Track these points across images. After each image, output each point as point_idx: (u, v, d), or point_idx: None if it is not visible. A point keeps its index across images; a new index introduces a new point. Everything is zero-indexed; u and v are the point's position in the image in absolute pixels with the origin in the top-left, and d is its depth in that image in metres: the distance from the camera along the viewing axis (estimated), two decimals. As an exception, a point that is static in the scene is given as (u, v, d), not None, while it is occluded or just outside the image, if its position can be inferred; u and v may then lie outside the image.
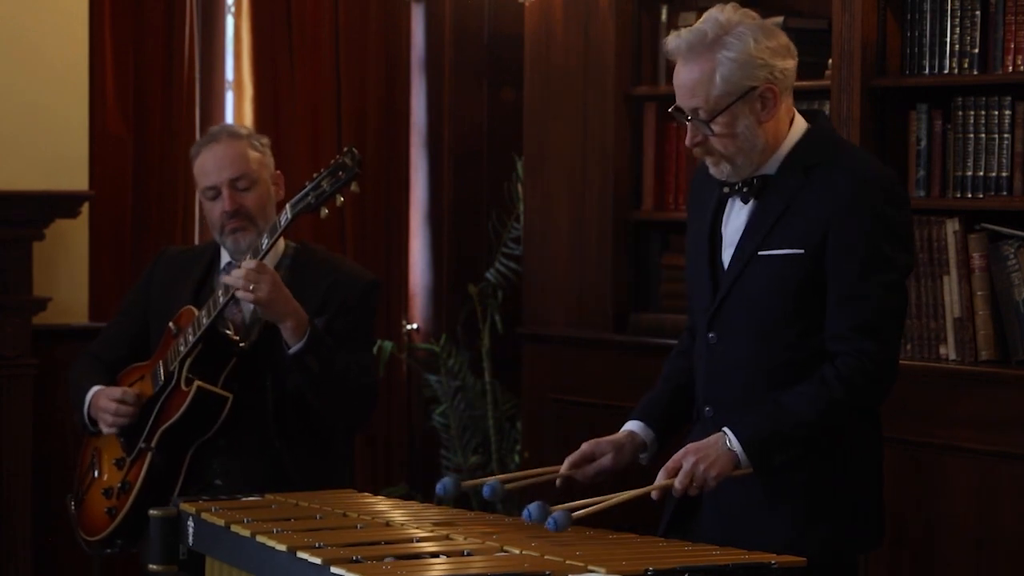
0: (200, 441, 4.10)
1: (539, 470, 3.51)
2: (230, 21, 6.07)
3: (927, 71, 4.83)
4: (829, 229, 3.27)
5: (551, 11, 5.74)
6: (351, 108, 6.26)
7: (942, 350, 4.74)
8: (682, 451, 3.26)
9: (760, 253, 3.33)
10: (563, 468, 3.43)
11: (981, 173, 4.72)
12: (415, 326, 6.49)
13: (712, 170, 3.37)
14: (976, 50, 4.74)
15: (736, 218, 3.40)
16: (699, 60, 3.29)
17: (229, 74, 6.07)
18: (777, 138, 3.34)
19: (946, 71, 4.79)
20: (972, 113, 4.73)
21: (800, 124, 3.38)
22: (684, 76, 3.32)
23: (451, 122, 6.51)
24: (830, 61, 4.97)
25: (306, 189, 3.92)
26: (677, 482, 3.22)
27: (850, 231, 3.26)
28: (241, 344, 4.09)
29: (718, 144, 3.31)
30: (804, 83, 5.07)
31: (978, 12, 4.73)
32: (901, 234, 3.32)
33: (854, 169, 3.31)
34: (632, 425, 3.50)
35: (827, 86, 4.97)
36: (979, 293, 4.67)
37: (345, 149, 3.91)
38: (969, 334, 4.68)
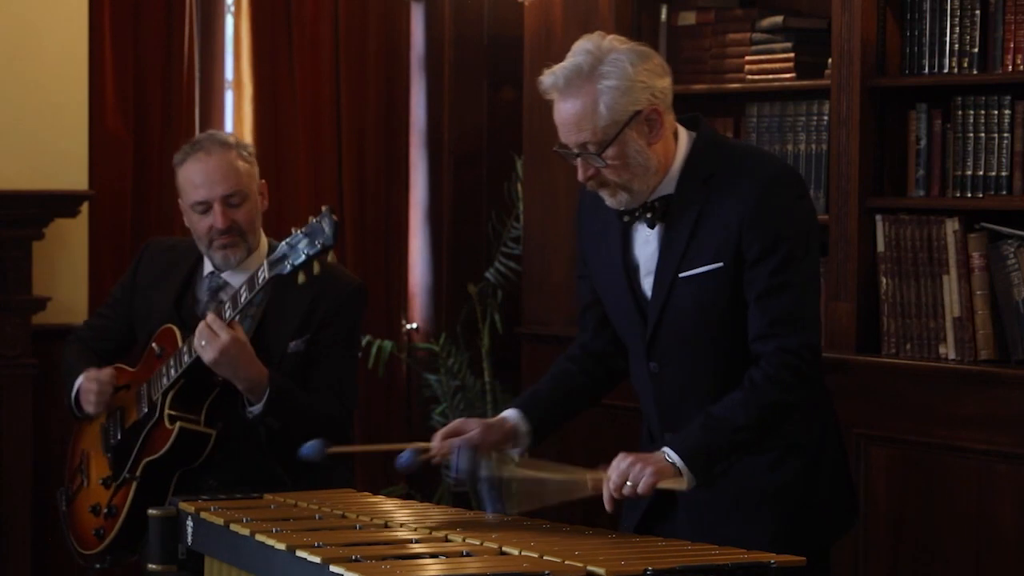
0: (186, 469, 4.08)
1: (416, 444, 3.50)
2: (230, 21, 6.07)
3: (927, 71, 4.83)
4: (742, 235, 3.26)
5: (551, 11, 5.74)
6: (351, 108, 6.26)
7: (942, 350, 4.74)
8: (620, 455, 3.22)
9: (681, 275, 3.32)
10: (435, 441, 3.42)
11: (981, 173, 4.72)
12: (415, 326, 6.49)
13: (609, 201, 3.34)
14: (976, 50, 4.74)
15: (647, 244, 3.38)
16: (579, 93, 3.27)
17: (229, 74, 6.07)
18: (667, 157, 3.33)
19: (946, 71, 4.79)
20: (972, 113, 4.73)
21: (684, 136, 3.37)
22: (567, 111, 3.29)
23: (451, 122, 6.50)
24: (830, 61, 4.97)
25: (282, 250, 3.78)
26: (612, 475, 3.18)
27: (761, 234, 3.26)
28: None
29: (612, 175, 3.29)
30: (804, 83, 5.09)
31: (978, 12, 4.73)
32: (807, 223, 3.33)
33: (754, 170, 3.31)
34: (508, 412, 3.51)
35: (827, 86, 4.96)
36: (979, 293, 4.67)
37: (324, 210, 3.74)
38: (969, 334, 4.68)
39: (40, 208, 5.46)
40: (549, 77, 3.32)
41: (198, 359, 3.95)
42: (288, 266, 3.77)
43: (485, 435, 3.44)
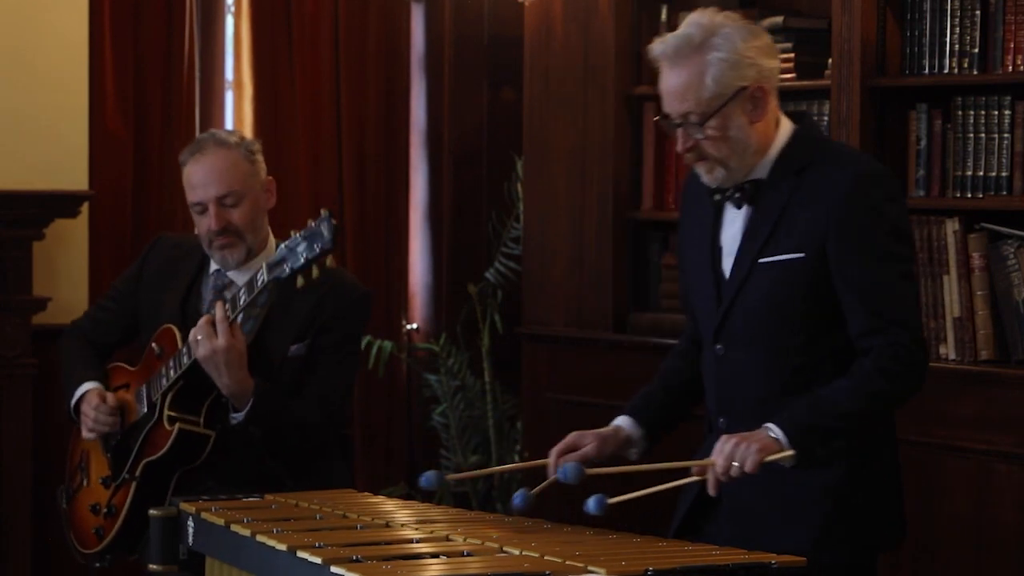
0: (185, 470, 4.08)
1: (531, 463, 3.49)
2: (230, 21, 6.07)
3: (927, 71, 4.83)
4: (829, 229, 3.25)
5: (551, 11, 5.74)
6: (351, 108, 6.26)
7: (942, 350, 4.74)
8: (720, 439, 3.20)
9: (760, 260, 3.31)
10: (551, 459, 3.41)
11: (981, 173, 4.72)
12: (415, 326, 6.49)
13: (705, 177, 3.34)
14: (976, 50, 4.74)
15: (732, 225, 3.38)
16: (687, 64, 3.27)
17: (229, 74, 6.07)
18: (767, 140, 3.33)
19: (946, 71, 4.79)
20: (972, 113, 4.73)
21: (787, 126, 3.37)
22: (673, 81, 3.29)
23: (451, 122, 6.50)
24: (830, 61, 4.97)
25: (281, 253, 3.79)
26: (718, 460, 3.16)
27: (854, 229, 3.24)
28: None
29: (711, 148, 3.29)
30: (804, 83, 5.09)
31: (978, 12, 4.73)
32: (902, 227, 3.32)
33: (847, 166, 3.30)
34: (620, 420, 3.50)
35: (827, 86, 4.97)
36: (979, 293, 4.67)
37: (323, 213, 3.74)
38: (969, 334, 4.68)
39: (40, 208, 5.46)
40: (659, 45, 3.30)
41: (196, 361, 3.96)
42: (287, 270, 3.78)
43: (601, 448, 3.43)
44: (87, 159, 5.63)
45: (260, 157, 4.17)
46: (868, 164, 3.36)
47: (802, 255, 3.27)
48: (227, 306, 3.94)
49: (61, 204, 5.49)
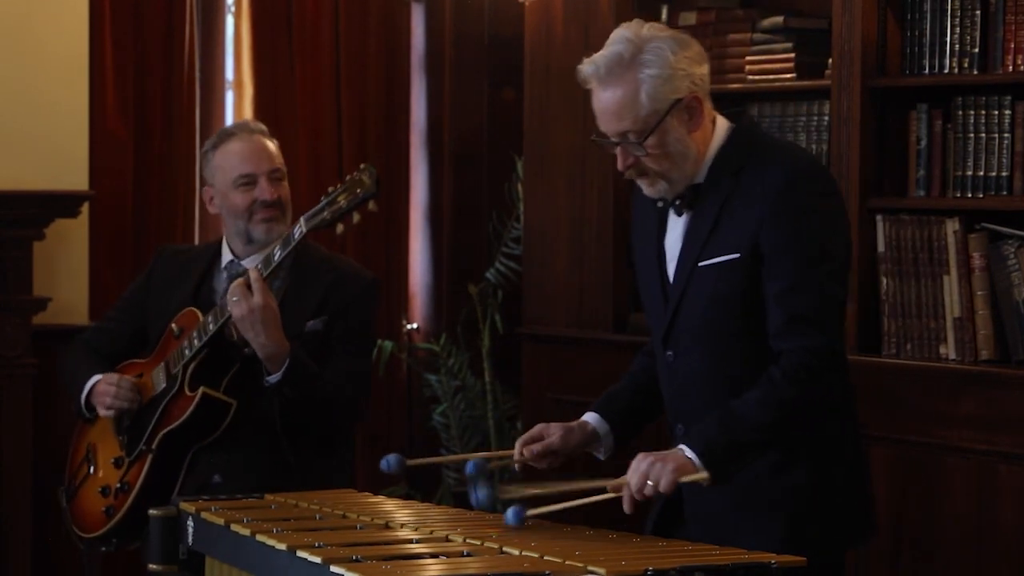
0: (200, 444, 4.11)
1: (497, 452, 3.50)
2: (230, 21, 6.07)
3: (927, 71, 4.83)
4: (761, 228, 3.23)
5: (551, 11, 5.74)
6: (351, 108, 6.26)
7: (942, 350, 4.74)
8: (637, 457, 3.20)
9: (700, 264, 3.30)
10: (516, 447, 3.43)
11: (981, 173, 4.72)
12: (415, 326, 6.49)
13: (647, 190, 3.34)
14: (976, 50, 4.74)
15: (673, 230, 3.37)
16: (620, 82, 3.24)
17: (229, 74, 6.07)
18: (704, 146, 3.31)
19: (946, 71, 4.79)
20: (972, 113, 4.73)
21: (723, 125, 3.34)
22: (607, 100, 3.27)
23: (451, 122, 6.51)
24: (830, 61, 4.97)
25: (322, 204, 3.91)
26: (632, 478, 3.14)
27: (782, 227, 3.22)
28: (245, 349, 4.08)
29: (652, 164, 3.28)
30: (804, 83, 5.09)
31: (978, 12, 4.73)
32: (834, 223, 3.28)
33: (779, 164, 3.27)
34: (587, 416, 3.50)
35: (827, 86, 4.96)
36: (979, 293, 4.67)
37: (362, 166, 3.90)
38: (969, 334, 4.68)
39: (40, 208, 5.46)
40: (589, 66, 3.28)
41: (221, 329, 4.01)
42: (327, 217, 3.87)
43: (566, 439, 3.44)
44: (87, 159, 5.63)
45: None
46: (801, 160, 3.33)
47: (737, 255, 3.26)
48: (259, 266, 4.00)
49: (61, 204, 5.49)
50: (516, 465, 3.47)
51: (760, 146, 3.34)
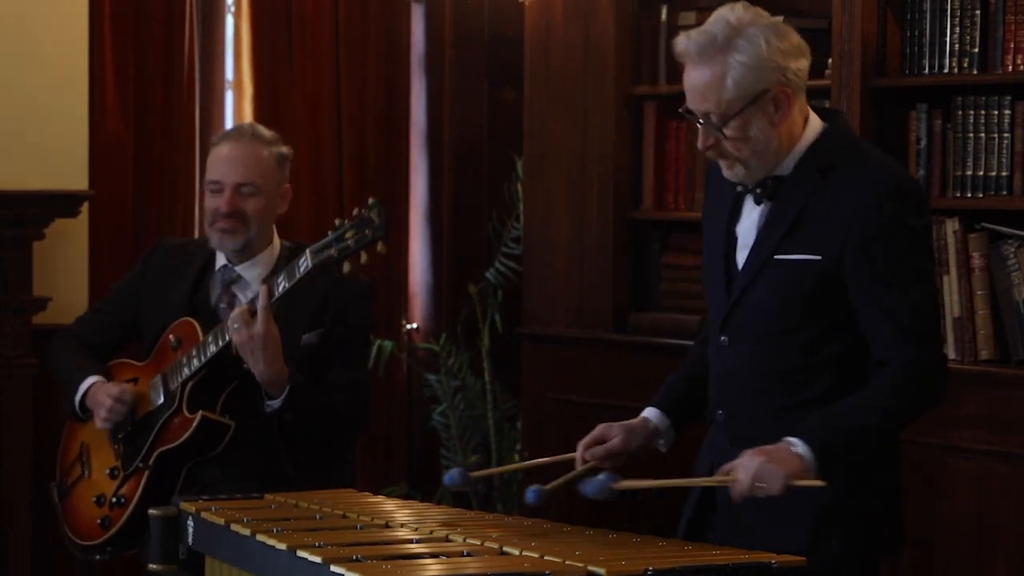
0: (197, 460, 4.10)
1: (556, 458, 3.48)
2: (230, 21, 6.07)
3: (927, 71, 4.83)
4: (850, 238, 3.21)
5: (551, 11, 5.74)
6: (351, 108, 6.26)
7: (942, 350, 4.74)
8: (746, 453, 3.16)
9: (776, 257, 3.27)
10: (578, 451, 3.41)
11: (981, 173, 4.72)
12: (415, 326, 6.49)
13: (725, 172, 3.31)
14: (976, 50, 4.74)
15: (748, 218, 3.34)
16: (709, 64, 3.22)
17: (229, 74, 6.07)
18: (791, 139, 3.28)
19: (946, 71, 4.79)
20: (972, 113, 4.73)
21: (815, 124, 3.32)
22: (694, 79, 3.24)
23: (451, 122, 6.50)
24: (830, 61, 4.97)
25: (328, 239, 3.85)
26: (742, 476, 3.13)
27: (879, 244, 3.20)
28: (244, 365, 4.04)
29: (731, 147, 3.25)
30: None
31: (978, 12, 4.73)
32: (926, 241, 3.29)
33: (875, 177, 3.24)
34: (647, 412, 3.49)
35: (827, 86, 4.96)
36: (979, 293, 4.67)
37: (371, 202, 3.82)
38: (969, 334, 4.68)
39: (40, 208, 5.46)
40: (684, 42, 3.25)
41: (223, 350, 3.99)
42: (334, 255, 3.82)
43: (628, 440, 3.42)
44: (87, 159, 5.63)
45: (287, 165, 4.26)
46: (896, 175, 3.29)
47: (818, 257, 3.24)
48: (262, 296, 3.98)
49: (61, 204, 5.49)
50: (577, 473, 3.40)
51: (852, 150, 3.31)
